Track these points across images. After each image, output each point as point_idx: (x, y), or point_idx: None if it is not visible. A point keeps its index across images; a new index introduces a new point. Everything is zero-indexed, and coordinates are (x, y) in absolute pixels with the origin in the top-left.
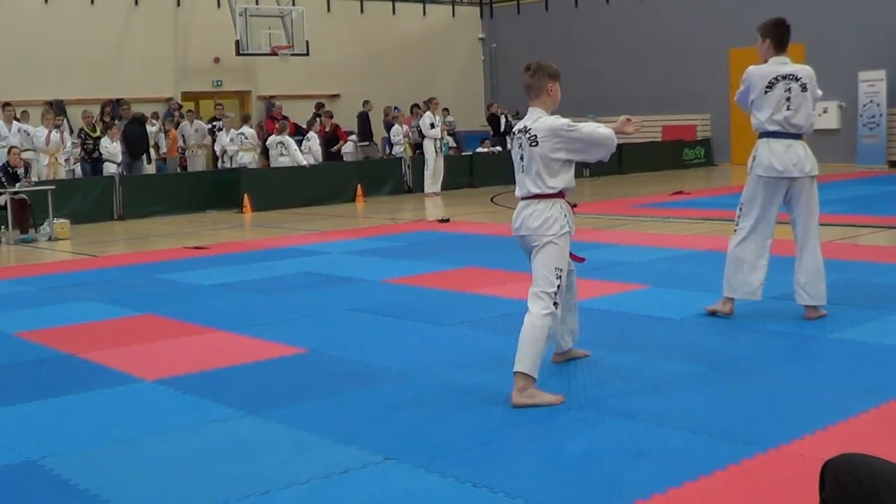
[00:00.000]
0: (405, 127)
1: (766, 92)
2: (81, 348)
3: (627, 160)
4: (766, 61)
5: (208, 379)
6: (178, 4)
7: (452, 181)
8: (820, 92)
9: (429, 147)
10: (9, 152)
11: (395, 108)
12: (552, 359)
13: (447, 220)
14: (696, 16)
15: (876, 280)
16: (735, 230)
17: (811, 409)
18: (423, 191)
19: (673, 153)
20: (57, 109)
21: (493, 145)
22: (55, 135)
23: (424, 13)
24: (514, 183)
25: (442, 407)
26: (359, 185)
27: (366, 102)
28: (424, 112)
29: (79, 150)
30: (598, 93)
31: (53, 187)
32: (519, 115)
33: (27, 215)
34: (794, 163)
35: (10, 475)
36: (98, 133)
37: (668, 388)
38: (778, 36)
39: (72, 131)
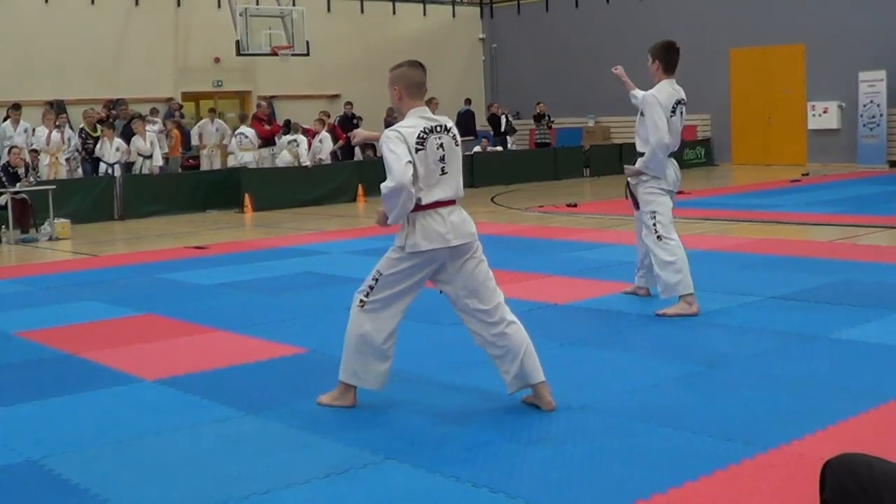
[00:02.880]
0: None
1: (671, 116)
2: (81, 348)
3: (628, 160)
4: (656, 81)
5: (208, 379)
6: (179, 4)
7: None
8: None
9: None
10: (9, 152)
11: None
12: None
13: None
14: (696, 16)
15: (876, 280)
16: (658, 235)
17: (811, 409)
18: None
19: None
20: (57, 109)
21: (494, 145)
22: (56, 135)
23: (424, 13)
24: (512, 183)
25: (442, 407)
26: (360, 185)
27: (347, 104)
28: None
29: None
30: (598, 93)
31: (54, 187)
32: (519, 115)
33: (28, 215)
34: (678, 178)
35: (10, 475)
36: (99, 133)
37: (668, 388)
38: (667, 59)
39: (72, 129)
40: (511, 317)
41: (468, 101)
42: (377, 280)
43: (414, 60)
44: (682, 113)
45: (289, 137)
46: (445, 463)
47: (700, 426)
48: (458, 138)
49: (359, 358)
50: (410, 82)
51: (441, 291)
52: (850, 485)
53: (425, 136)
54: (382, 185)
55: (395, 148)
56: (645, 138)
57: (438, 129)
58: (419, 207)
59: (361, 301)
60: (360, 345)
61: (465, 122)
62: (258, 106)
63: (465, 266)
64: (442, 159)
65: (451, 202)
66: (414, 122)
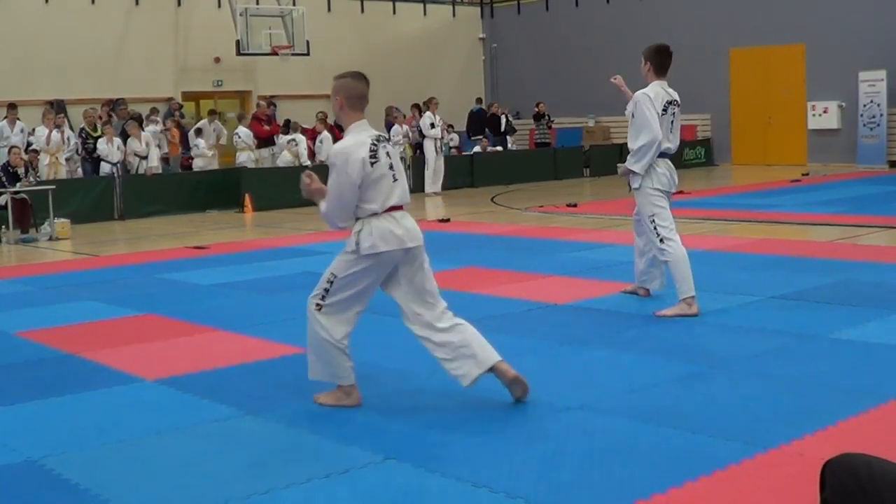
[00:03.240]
0: (405, 127)
1: (662, 115)
2: (81, 348)
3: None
4: (647, 83)
5: (208, 379)
6: (179, 4)
7: (453, 181)
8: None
9: (429, 147)
10: (9, 152)
11: (396, 108)
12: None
13: (448, 220)
14: (696, 16)
15: (876, 280)
16: (661, 237)
17: (811, 409)
18: (423, 191)
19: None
20: (58, 109)
21: (494, 145)
22: (56, 134)
23: (425, 13)
24: (512, 183)
25: (442, 407)
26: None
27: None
28: (425, 112)
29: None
30: (598, 93)
31: (54, 187)
32: (519, 115)
33: (28, 215)
34: (675, 179)
35: (10, 475)
36: (99, 133)
37: (668, 388)
38: (659, 61)
39: (72, 129)
40: (457, 319)
41: (479, 101)
42: (332, 283)
43: (359, 73)
44: (675, 114)
45: (288, 137)
46: (445, 463)
47: (700, 426)
48: (393, 148)
49: (333, 359)
50: (352, 93)
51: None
52: (851, 484)
53: (375, 147)
54: (322, 213)
55: (350, 171)
56: (637, 137)
57: (381, 139)
58: (375, 213)
59: (318, 305)
60: (328, 347)
61: (478, 120)
62: (258, 105)
63: (416, 271)
64: (391, 167)
65: (401, 207)
66: (361, 137)
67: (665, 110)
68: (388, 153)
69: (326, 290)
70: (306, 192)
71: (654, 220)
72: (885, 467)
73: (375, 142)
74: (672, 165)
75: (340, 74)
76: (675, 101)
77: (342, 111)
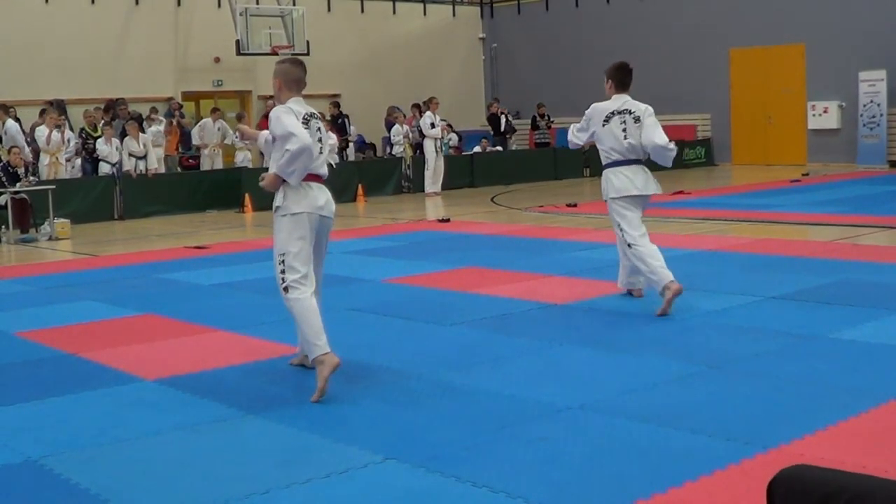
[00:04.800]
0: (405, 127)
1: (604, 125)
2: (81, 348)
3: None
4: (609, 98)
5: (208, 379)
6: (179, 4)
7: (452, 181)
8: (656, 121)
9: (429, 147)
10: (9, 152)
11: (397, 108)
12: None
13: (448, 220)
14: (696, 16)
15: (876, 280)
16: (627, 240)
17: (811, 409)
18: (423, 191)
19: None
20: (58, 109)
21: (494, 145)
22: (56, 135)
23: (425, 13)
24: (512, 183)
25: (442, 407)
26: (360, 185)
27: (333, 103)
28: (425, 112)
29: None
30: (598, 93)
31: (54, 187)
32: (519, 115)
33: (27, 215)
34: (642, 184)
35: (10, 475)
36: (99, 133)
37: (668, 388)
38: (618, 78)
39: (72, 129)
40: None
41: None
42: (283, 261)
43: (297, 59)
44: (625, 121)
45: None
46: (445, 463)
47: (700, 426)
48: (322, 130)
49: (314, 331)
50: (289, 77)
51: None
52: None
53: (308, 118)
54: (289, 146)
55: (290, 119)
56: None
57: (313, 115)
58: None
59: (286, 289)
60: (310, 319)
61: (494, 123)
62: (267, 105)
63: (323, 240)
64: (319, 140)
65: (322, 179)
66: (295, 106)
67: (608, 119)
68: (318, 128)
69: (283, 272)
70: (269, 183)
71: (620, 227)
72: (843, 483)
73: (307, 115)
74: (637, 170)
75: (281, 60)
76: (628, 110)
77: (280, 91)
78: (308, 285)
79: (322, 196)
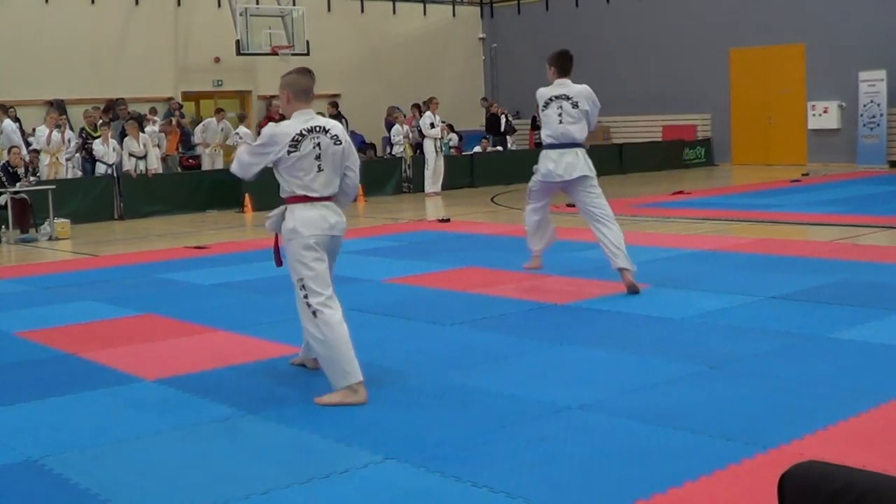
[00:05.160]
0: (405, 127)
1: (543, 110)
2: (81, 348)
3: (627, 160)
4: (551, 84)
5: (208, 379)
6: (179, 4)
7: (452, 181)
8: (598, 105)
9: (429, 147)
10: (9, 151)
11: (397, 108)
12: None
13: (448, 220)
14: (696, 16)
15: (876, 280)
16: (529, 206)
17: (811, 409)
18: (423, 191)
19: (673, 153)
20: (58, 109)
21: (494, 145)
22: (56, 135)
23: (425, 13)
24: (512, 183)
25: (442, 407)
26: (360, 185)
27: (331, 104)
28: (425, 112)
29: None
30: (598, 93)
31: (54, 187)
32: (519, 115)
33: (27, 215)
34: (565, 168)
35: (10, 475)
36: (99, 133)
37: (668, 388)
38: (559, 63)
39: (72, 129)
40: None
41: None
42: (304, 285)
43: (304, 68)
44: (561, 107)
45: None
46: (445, 463)
47: (700, 426)
48: (341, 138)
49: (346, 358)
50: (297, 88)
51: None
52: (812, 496)
53: (301, 137)
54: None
55: (255, 146)
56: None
57: (317, 129)
58: (297, 199)
59: (314, 313)
60: (339, 344)
61: (494, 123)
62: (270, 105)
63: (333, 259)
64: (318, 157)
65: (326, 199)
66: (295, 124)
67: (547, 105)
68: (318, 144)
69: (306, 296)
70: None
71: (530, 194)
72: (850, 479)
73: (302, 133)
74: (566, 153)
75: (287, 72)
76: (564, 95)
77: (289, 104)
78: (335, 307)
79: (332, 216)
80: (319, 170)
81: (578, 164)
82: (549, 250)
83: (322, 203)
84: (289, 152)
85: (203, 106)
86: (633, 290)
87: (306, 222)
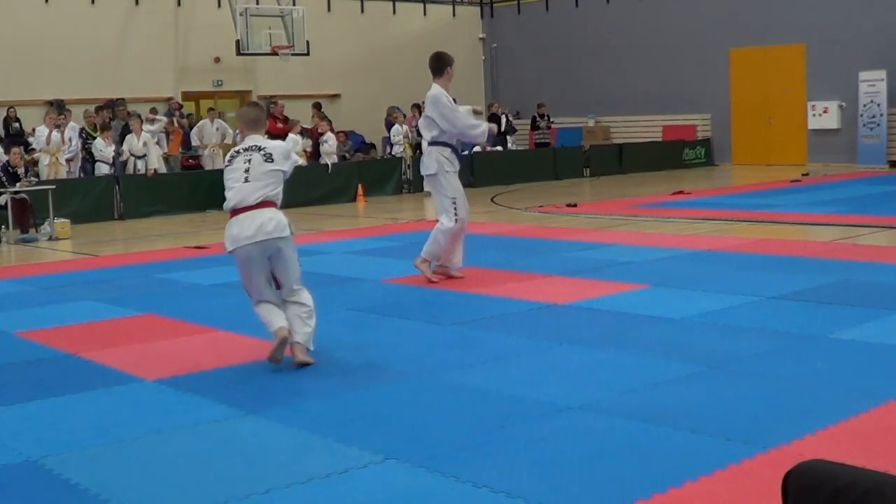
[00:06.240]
0: (405, 127)
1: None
2: (81, 348)
3: (627, 160)
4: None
5: (208, 379)
6: (179, 4)
7: None
8: (439, 108)
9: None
10: (8, 152)
11: (397, 108)
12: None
13: None
14: (696, 16)
15: (876, 280)
16: (455, 219)
17: (811, 409)
18: (423, 190)
19: (673, 153)
20: (58, 109)
21: (494, 145)
22: (56, 135)
23: (425, 13)
24: (512, 183)
25: (442, 407)
26: (359, 185)
27: (315, 104)
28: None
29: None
30: (598, 93)
31: (54, 187)
32: (519, 115)
33: (27, 215)
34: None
35: (10, 475)
36: (99, 134)
37: (668, 388)
38: (434, 67)
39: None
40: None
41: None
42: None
43: (254, 102)
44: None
45: (294, 137)
46: (445, 463)
47: (700, 426)
48: (273, 156)
49: (269, 323)
50: (246, 119)
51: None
52: (816, 494)
53: (235, 155)
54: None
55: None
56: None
57: (252, 149)
58: (231, 213)
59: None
60: (265, 316)
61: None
62: (273, 104)
63: (279, 257)
64: (246, 171)
65: (249, 208)
66: (241, 145)
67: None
68: (248, 160)
69: (249, 293)
70: None
71: (454, 201)
72: (856, 478)
73: (237, 151)
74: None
75: (242, 106)
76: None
77: (243, 134)
78: (267, 304)
79: (250, 225)
80: (245, 181)
81: (426, 163)
82: (549, 250)
83: (245, 214)
84: (225, 167)
85: (203, 106)
86: None
87: (227, 236)
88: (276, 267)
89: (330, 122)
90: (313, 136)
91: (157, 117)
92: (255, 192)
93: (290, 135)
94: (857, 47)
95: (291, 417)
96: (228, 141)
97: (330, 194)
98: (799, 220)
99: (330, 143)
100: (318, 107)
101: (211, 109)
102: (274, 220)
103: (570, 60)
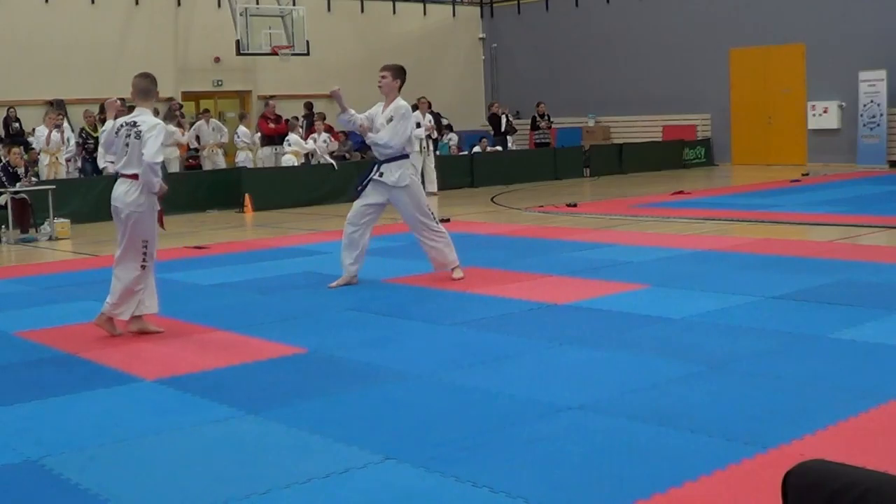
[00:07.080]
0: None
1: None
2: (81, 348)
3: (627, 160)
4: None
5: (208, 379)
6: (179, 4)
7: (453, 181)
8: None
9: (415, 147)
10: (9, 152)
11: None
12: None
13: (448, 220)
14: (696, 16)
15: (876, 280)
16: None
17: (811, 409)
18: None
19: (673, 153)
20: (58, 109)
21: (494, 145)
22: (56, 135)
23: (425, 13)
24: (512, 183)
25: (442, 407)
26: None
27: (307, 104)
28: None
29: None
30: (598, 93)
31: (54, 187)
32: (519, 115)
33: (28, 215)
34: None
35: (10, 475)
36: (99, 133)
37: (668, 388)
38: (403, 77)
39: (72, 129)
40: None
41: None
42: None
43: (143, 72)
44: (393, 118)
45: (294, 137)
46: (445, 463)
47: (700, 426)
48: (141, 132)
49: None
50: (136, 88)
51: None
52: (816, 495)
53: (120, 127)
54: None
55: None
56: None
57: (130, 124)
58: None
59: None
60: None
61: (495, 123)
62: (266, 105)
63: (119, 224)
64: (126, 145)
65: (124, 176)
66: (125, 118)
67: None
68: (128, 134)
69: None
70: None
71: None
72: (855, 478)
73: (121, 125)
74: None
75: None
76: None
77: (135, 101)
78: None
79: (118, 189)
80: (125, 154)
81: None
82: (549, 250)
83: (121, 179)
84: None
85: (203, 106)
86: None
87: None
88: (120, 231)
89: (324, 119)
90: (306, 135)
91: (171, 127)
92: (128, 165)
93: (169, 126)
94: (857, 47)
95: (291, 417)
96: (225, 140)
97: (330, 194)
98: (799, 220)
99: (324, 140)
100: (309, 106)
101: (206, 111)
102: (125, 193)
103: (570, 60)
